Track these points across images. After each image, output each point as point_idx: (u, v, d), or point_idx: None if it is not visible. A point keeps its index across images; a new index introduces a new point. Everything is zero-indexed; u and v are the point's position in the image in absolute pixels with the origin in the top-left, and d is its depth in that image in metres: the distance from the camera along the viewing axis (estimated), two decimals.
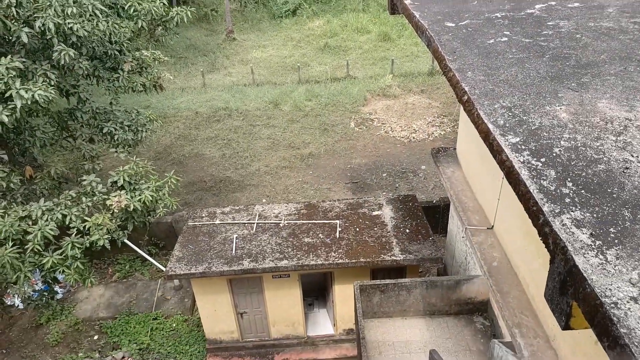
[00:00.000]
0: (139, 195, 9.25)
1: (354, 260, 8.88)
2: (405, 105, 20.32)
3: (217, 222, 10.27)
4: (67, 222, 8.67)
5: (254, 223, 10.11)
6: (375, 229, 9.68)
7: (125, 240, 9.89)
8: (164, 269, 11.83)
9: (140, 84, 11.78)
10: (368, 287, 7.31)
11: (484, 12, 6.78)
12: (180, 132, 19.24)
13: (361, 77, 23.02)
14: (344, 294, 9.74)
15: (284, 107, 20.57)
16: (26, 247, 8.16)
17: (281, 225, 10.01)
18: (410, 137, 18.22)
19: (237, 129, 19.21)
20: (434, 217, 12.79)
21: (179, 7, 12.25)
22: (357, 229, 9.71)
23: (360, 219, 10.01)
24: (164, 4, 11.64)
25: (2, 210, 8.43)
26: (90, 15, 9.56)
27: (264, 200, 15.16)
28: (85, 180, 9.32)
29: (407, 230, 9.54)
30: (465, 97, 4.69)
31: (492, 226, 7.36)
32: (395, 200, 10.60)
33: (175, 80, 23.41)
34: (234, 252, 9.36)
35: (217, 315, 10.08)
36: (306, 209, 10.49)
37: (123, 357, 10.68)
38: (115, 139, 10.99)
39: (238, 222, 10.22)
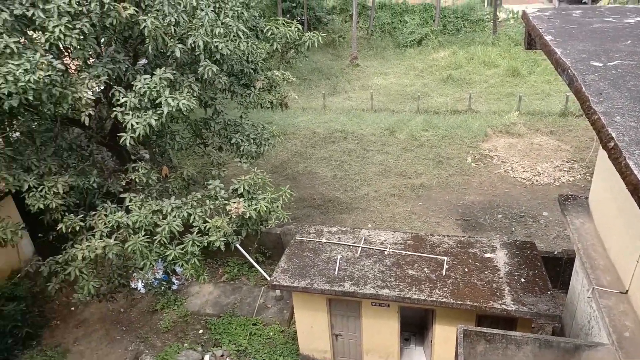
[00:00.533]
0: (255, 204, 9.77)
1: (459, 302, 8.43)
2: (530, 145, 19.08)
3: (324, 240, 10.45)
4: (190, 221, 9.43)
5: (358, 247, 10.12)
6: (486, 272, 9.12)
7: (238, 245, 10.49)
8: (268, 277, 12.30)
9: (269, 101, 12.54)
10: (473, 334, 6.87)
11: (639, 53, 6.18)
12: (297, 149, 20.07)
13: (484, 112, 22.16)
14: (444, 335, 9.27)
15: (399, 135, 20.51)
16: (154, 238, 9.02)
17: (386, 253, 9.88)
18: (533, 180, 17.01)
19: (350, 152, 19.53)
20: (554, 269, 11.70)
21: (311, 33, 12.89)
22: (466, 269, 9.23)
23: (470, 259, 9.51)
24: (298, 29, 12.35)
25: (140, 203, 9.43)
26: (234, 36, 10.46)
27: (369, 225, 15.13)
28: (210, 184, 10.09)
29: (522, 280, 8.84)
30: (612, 144, 4.28)
31: (627, 290, 6.53)
32: (511, 245, 9.91)
33: (298, 100, 24.60)
34: (336, 272, 9.43)
35: (313, 332, 10.18)
36: (413, 240, 10.25)
37: (222, 355, 11.22)
38: (241, 149, 11.79)
39: (343, 243, 10.30)
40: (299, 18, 32.07)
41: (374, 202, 16.30)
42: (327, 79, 28.06)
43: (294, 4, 33.31)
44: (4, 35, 7.58)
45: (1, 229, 8.81)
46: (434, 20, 32.95)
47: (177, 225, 9.10)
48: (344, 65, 29.75)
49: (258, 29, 12.62)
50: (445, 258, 9.52)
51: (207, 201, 9.88)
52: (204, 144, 12.51)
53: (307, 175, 18.29)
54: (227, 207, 9.54)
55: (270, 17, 16.35)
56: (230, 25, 10.21)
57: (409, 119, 21.68)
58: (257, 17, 13.00)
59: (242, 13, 10.81)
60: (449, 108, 22.77)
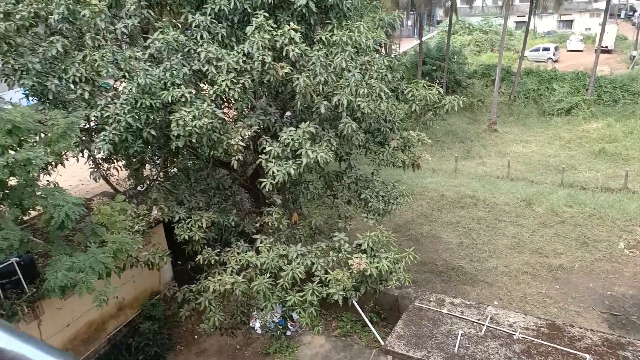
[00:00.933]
0: (378, 262, 9.65)
1: None
2: None
3: (444, 311, 9.85)
4: (313, 270, 9.62)
5: (483, 325, 9.32)
6: None
7: (355, 301, 10.37)
8: (381, 341, 11.86)
9: (401, 161, 12.56)
10: None
11: None
12: (423, 210, 19.62)
13: None
14: None
15: (537, 208, 18.95)
16: (278, 281, 9.35)
17: (515, 337, 8.94)
18: None
19: (480, 220, 18.51)
20: None
21: (451, 97, 12.80)
22: None
23: None
24: (439, 92, 12.37)
25: (269, 245, 9.92)
26: (376, 96, 10.83)
27: (496, 303, 13.92)
28: (336, 236, 10.26)
29: None
30: None
31: None
32: None
33: (430, 161, 24.30)
34: (456, 349, 8.75)
35: None
36: (548, 329, 9.14)
37: None
38: (369, 205, 11.88)
39: (466, 318, 9.59)
40: (438, 81, 32.26)
41: (503, 278, 15.04)
42: (461, 142, 27.42)
43: (434, 67, 33.68)
44: (182, 86, 8.80)
45: (151, 254, 9.88)
46: (586, 89, 30.67)
47: (300, 272, 9.34)
48: (480, 130, 28.89)
49: (399, 90, 12.92)
50: (587, 356, 8.28)
51: (331, 252, 10.03)
52: (333, 196, 12.87)
53: (431, 238, 17.68)
54: (350, 262, 9.57)
55: (410, 79, 16.70)
56: (374, 86, 10.60)
57: (550, 192, 19.99)
58: (399, 79, 13.35)
59: (386, 75, 11.19)
60: (600, 185, 20.56)
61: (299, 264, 9.55)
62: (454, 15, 32.42)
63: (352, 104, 10.27)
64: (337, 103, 10.17)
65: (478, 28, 47.07)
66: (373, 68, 10.94)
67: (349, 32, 10.12)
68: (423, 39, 33.21)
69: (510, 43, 41.59)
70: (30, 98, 9.83)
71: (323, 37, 10.14)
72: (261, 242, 9.98)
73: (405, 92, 12.46)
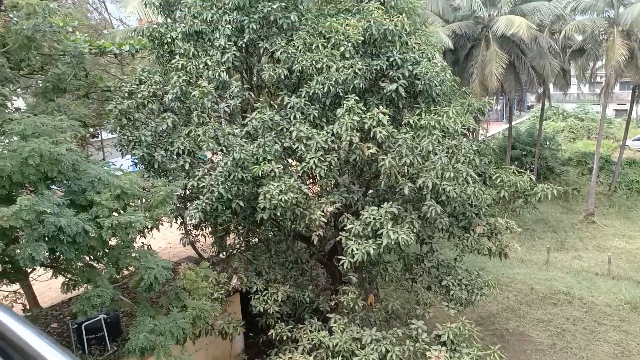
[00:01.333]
0: (458, 358, 8.94)
1: None
2: None
3: None
4: (387, 358, 9.10)
5: None
6: None
7: None
8: None
9: (487, 248, 11.94)
10: None
11: None
12: (509, 304, 18.16)
13: None
14: None
15: None
16: None
17: None
18: None
19: (576, 321, 16.70)
20: None
21: (545, 185, 12.18)
22: None
23: None
24: (530, 179, 11.85)
25: (343, 326, 9.62)
26: (462, 180, 10.61)
27: None
28: (413, 324, 9.73)
29: None
30: None
31: None
32: None
33: (518, 251, 22.85)
34: None
35: None
36: None
37: None
38: (450, 294, 11.25)
39: None
40: (528, 166, 31.05)
41: None
42: (553, 232, 25.62)
43: (524, 153, 32.60)
44: (272, 161, 9.28)
45: (226, 323, 9.98)
46: None
47: (373, 359, 8.88)
48: (576, 221, 26.91)
49: (487, 175, 12.57)
50: None
51: (407, 341, 9.49)
52: (412, 280, 12.39)
53: (518, 336, 16.16)
54: (427, 354, 8.96)
55: (499, 163, 16.23)
56: (460, 170, 10.42)
57: None
58: (487, 164, 13.04)
59: (474, 159, 11.00)
60: None
61: (372, 349, 9.11)
62: (547, 101, 31.70)
63: (437, 187, 10.12)
64: (421, 185, 10.08)
65: (573, 115, 45.44)
66: (460, 152, 10.83)
67: (437, 116, 10.23)
68: (513, 123, 32.60)
69: (610, 131, 39.45)
70: (138, 165, 10.88)
71: (411, 121, 10.33)
72: (335, 322, 9.72)
73: (493, 177, 12.09)
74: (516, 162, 31.33)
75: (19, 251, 6.44)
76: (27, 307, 10.47)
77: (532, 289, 19.09)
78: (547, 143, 33.03)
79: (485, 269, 20.49)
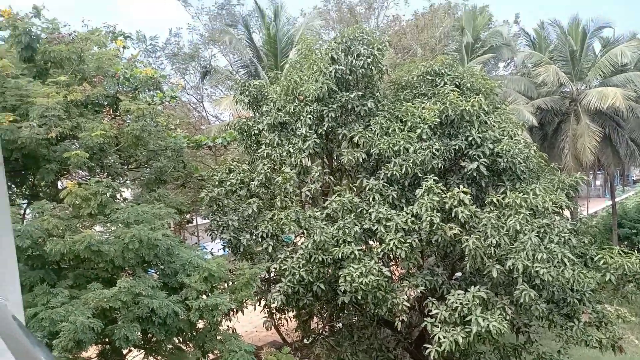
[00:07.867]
0: None
1: None
2: None
3: None
4: None
5: None
6: None
7: None
8: None
9: (596, 340, 10.61)
10: None
11: None
12: None
13: None
14: None
15: None
16: None
17: None
18: None
19: None
20: None
21: None
22: None
23: None
24: (639, 260, 10.66)
25: None
26: (558, 262, 9.80)
27: None
28: None
29: None
30: None
31: None
32: None
33: (638, 344, 19.94)
34: None
35: None
36: None
37: None
38: None
39: None
40: (639, 246, 27.89)
41: None
42: None
43: (634, 231, 29.47)
44: (352, 243, 9.32)
45: None
46: None
47: None
48: None
49: (587, 257, 11.50)
50: None
51: None
52: None
53: None
54: None
55: (603, 243, 14.82)
56: (554, 251, 9.69)
57: None
58: (588, 244, 11.98)
59: (570, 239, 10.20)
60: None
61: None
62: None
63: (529, 270, 9.43)
64: (511, 267, 9.47)
65: None
66: (553, 231, 10.11)
67: (523, 194, 9.80)
68: (617, 199, 29.98)
69: None
70: (226, 249, 11.44)
71: (494, 199, 9.97)
72: None
73: (595, 259, 11.03)
74: (625, 242, 28.33)
75: (116, 331, 6.88)
76: None
77: None
78: None
79: None
